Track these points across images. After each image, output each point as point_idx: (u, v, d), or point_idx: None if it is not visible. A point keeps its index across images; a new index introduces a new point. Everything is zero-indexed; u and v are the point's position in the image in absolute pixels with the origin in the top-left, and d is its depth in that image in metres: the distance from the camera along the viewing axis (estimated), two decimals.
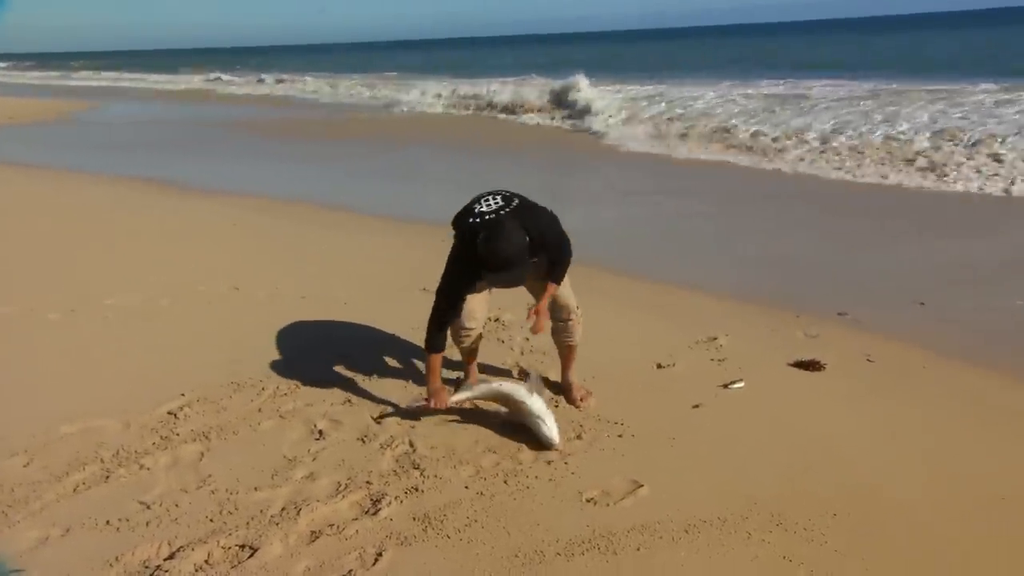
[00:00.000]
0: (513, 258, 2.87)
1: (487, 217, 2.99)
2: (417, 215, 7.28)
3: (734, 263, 5.78)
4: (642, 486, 2.77)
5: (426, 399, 3.24)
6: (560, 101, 17.06)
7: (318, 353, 3.98)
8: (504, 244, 2.86)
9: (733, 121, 13.07)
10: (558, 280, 3.25)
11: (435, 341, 3.21)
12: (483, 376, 3.43)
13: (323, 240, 6.64)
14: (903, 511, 2.64)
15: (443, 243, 3.23)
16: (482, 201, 3.10)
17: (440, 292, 3.17)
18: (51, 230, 6.94)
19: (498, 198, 3.09)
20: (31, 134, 16.19)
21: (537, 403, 3.11)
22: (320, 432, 3.18)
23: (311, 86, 29.71)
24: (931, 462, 2.96)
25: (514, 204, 3.05)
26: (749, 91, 17.19)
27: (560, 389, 3.54)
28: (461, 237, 3.07)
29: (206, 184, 9.38)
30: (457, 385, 3.55)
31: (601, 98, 16.29)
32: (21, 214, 7.70)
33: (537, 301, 3.27)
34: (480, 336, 3.44)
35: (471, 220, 3.02)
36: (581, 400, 3.44)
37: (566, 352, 3.50)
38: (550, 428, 3.05)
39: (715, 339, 4.12)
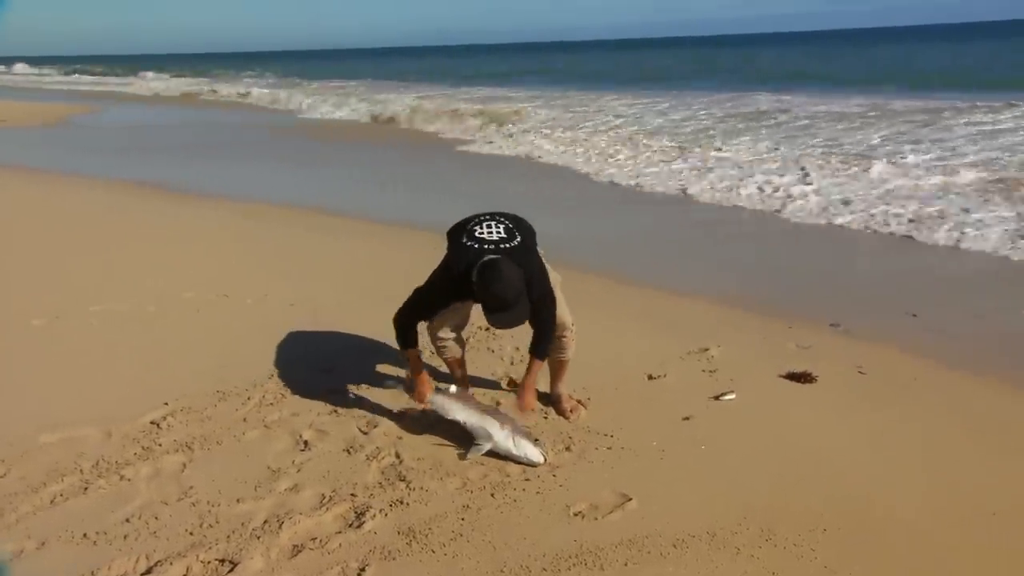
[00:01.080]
0: (511, 300, 2.83)
1: (487, 247, 2.92)
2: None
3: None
4: (630, 499, 2.73)
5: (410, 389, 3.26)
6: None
7: (305, 361, 3.93)
8: (502, 287, 2.81)
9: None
10: (542, 356, 3.20)
11: (405, 339, 3.16)
12: (464, 395, 3.29)
13: (312, 244, 6.61)
14: (895, 525, 2.60)
15: (434, 251, 3.18)
16: (484, 225, 3.02)
17: (418, 293, 3.09)
18: (40, 234, 6.88)
19: (500, 227, 3.01)
20: (29, 137, 16.07)
21: (500, 442, 2.99)
22: (305, 442, 3.13)
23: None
24: (923, 475, 2.92)
25: (515, 242, 2.98)
26: (728, 104, 17.64)
27: (549, 400, 3.50)
28: (456, 258, 2.98)
29: (200, 188, 9.35)
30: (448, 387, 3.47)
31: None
32: (10, 218, 7.62)
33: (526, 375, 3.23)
34: (463, 346, 3.40)
35: (468, 243, 2.95)
36: (571, 412, 3.39)
37: (556, 366, 3.44)
38: (520, 457, 2.98)
39: (707, 350, 4.09)
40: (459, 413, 3.13)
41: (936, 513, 2.68)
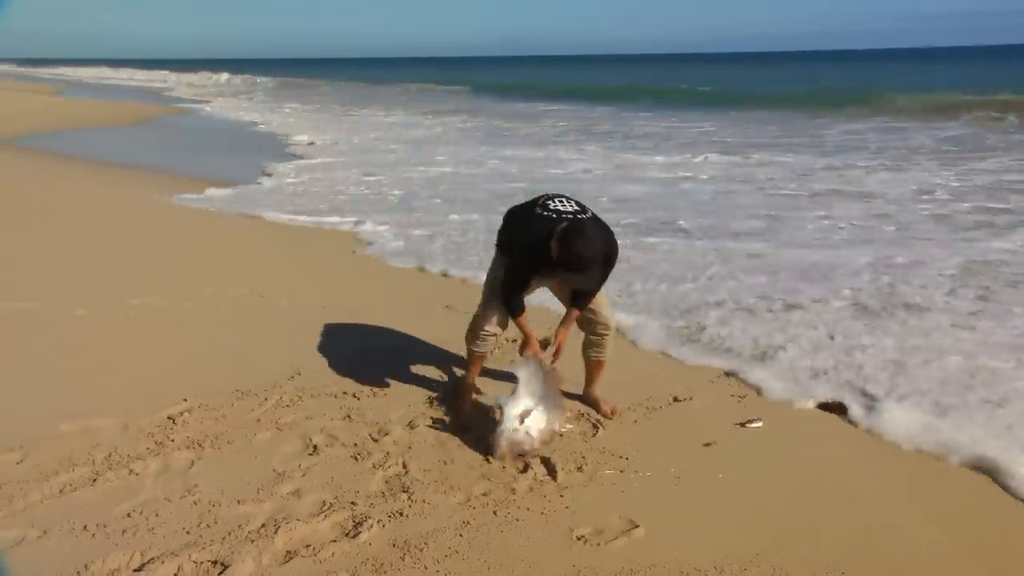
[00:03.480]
0: (593, 259, 2.87)
1: (564, 215, 2.98)
2: None
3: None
4: (638, 527, 2.62)
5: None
6: None
7: (328, 365, 3.92)
8: (587, 243, 2.86)
9: None
10: (582, 306, 3.26)
11: (515, 307, 3.21)
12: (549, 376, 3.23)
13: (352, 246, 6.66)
14: (924, 570, 2.43)
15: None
16: (555, 200, 3.11)
17: (508, 275, 3.16)
18: (96, 226, 7.09)
19: (572, 202, 3.11)
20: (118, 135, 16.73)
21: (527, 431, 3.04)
22: (314, 447, 3.11)
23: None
24: (962, 519, 2.72)
25: (590, 213, 3.08)
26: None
27: (584, 402, 3.55)
28: (535, 227, 3.01)
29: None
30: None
31: None
32: (69, 209, 7.89)
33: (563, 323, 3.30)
34: (494, 349, 3.37)
35: (545, 213, 3.02)
36: (612, 412, 3.43)
37: (594, 367, 3.48)
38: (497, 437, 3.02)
39: (738, 374, 3.93)
40: (517, 407, 3.07)
41: (975, 555, 2.49)
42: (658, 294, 5.25)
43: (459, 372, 3.76)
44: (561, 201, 3.10)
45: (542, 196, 3.19)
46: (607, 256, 2.97)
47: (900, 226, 7.35)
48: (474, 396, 3.50)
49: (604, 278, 3.10)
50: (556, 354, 3.29)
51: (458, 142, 15.53)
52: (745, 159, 12.25)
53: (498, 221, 3.39)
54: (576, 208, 3.07)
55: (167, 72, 59.14)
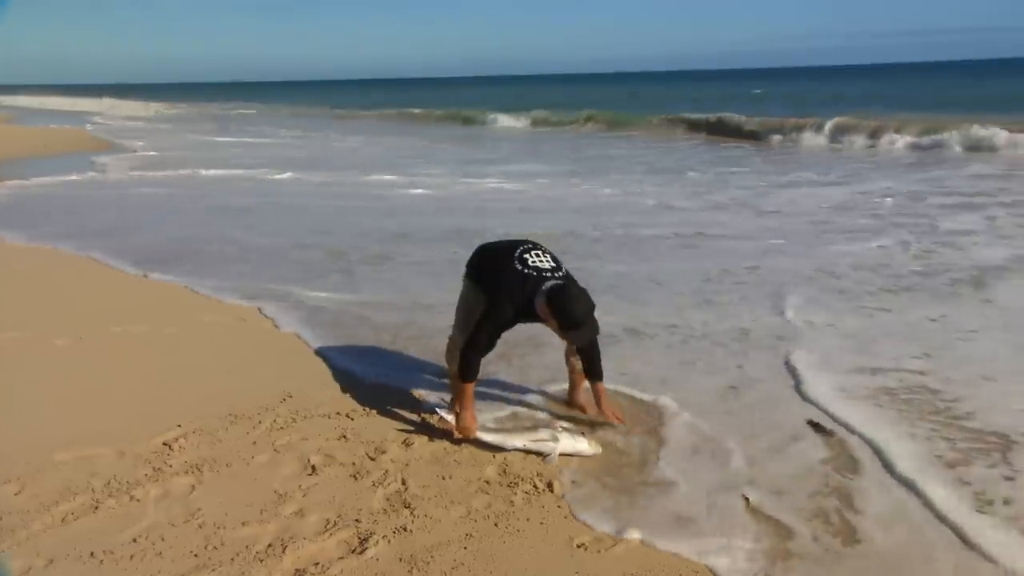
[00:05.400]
0: (587, 315, 3.08)
1: (545, 274, 3.18)
2: None
3: None
4: (635, 533, 2.71)
5: (454, 424, 3.37)
6: None
7: (318, 387, 3.96)
8: (582, 306, 3.06)
9: None
10: (600, 376, 3.46)
11: (472, 371, 3.27)
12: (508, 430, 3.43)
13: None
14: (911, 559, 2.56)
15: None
16: (532, 253, 3.27)
17: (487, 325, 3.24)
18: (69, 256, 7.03)
19: (548, 256, 3.30)
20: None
21: (565, 445, 3.24)
22: (313, 467, 3.15)
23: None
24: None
25: (565, 270, 3.27)
26: None
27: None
28: (518, 284, 3.16)
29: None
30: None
31: None
32: (42, 240, 7.80)
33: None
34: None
35: (526, 271, 3.18)
36: (618, 421, 3.48)
37: (579, 379, 3.61)
38: (583, 451, 3.24)
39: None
40: (516, 440, 3.29)
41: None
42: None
43: (448, 388, 3.80)
44: (538, 255, 3.27)
45: (518, 246, 3.32)
46: (592, 309, 3.13)
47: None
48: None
49: (595, 329, 3.21)
50: (619, 418, 3.46)
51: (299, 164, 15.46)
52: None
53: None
54: (552, 265, 3.24)
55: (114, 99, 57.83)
